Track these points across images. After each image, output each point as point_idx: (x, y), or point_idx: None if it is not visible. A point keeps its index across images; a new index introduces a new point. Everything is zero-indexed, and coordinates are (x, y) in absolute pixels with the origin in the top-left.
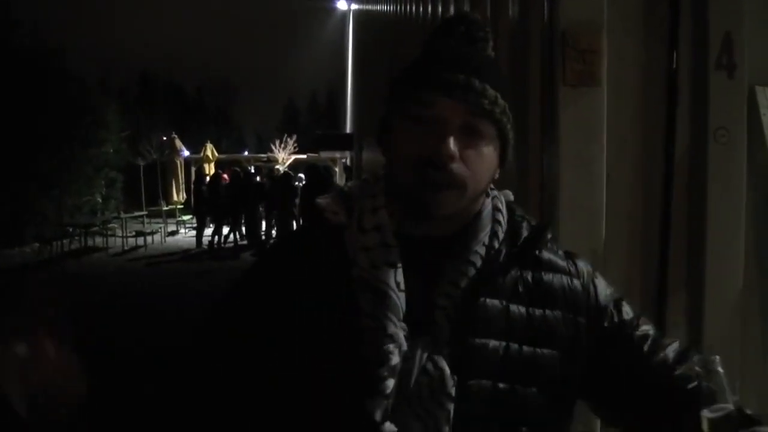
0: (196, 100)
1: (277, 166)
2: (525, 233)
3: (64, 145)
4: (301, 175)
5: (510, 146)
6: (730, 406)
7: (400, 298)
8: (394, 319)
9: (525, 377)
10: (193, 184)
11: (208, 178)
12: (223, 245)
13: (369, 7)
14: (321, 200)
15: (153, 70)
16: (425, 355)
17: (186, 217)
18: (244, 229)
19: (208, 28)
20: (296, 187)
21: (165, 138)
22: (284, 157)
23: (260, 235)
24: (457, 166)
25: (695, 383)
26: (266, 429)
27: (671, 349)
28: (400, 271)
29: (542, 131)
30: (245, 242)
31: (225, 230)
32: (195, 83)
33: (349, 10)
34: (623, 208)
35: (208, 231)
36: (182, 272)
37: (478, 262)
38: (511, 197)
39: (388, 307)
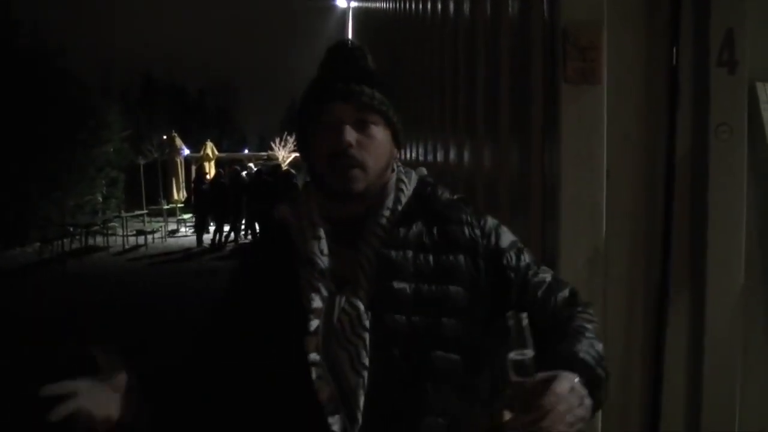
0: (198, 100)
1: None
2: (431, 194)
3: (66, 146)
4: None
5: (398, 129)
6: (530, 352)
7: (323, 261)
8: (319, 276)
9: (434, 310)
10: (193, 182)
11: (208, 177)
12: (224, 243)
13: (368, 4)
14: (281, 204)
15: (154, 70)
16: (344, 299)
17: (186, 216)
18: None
19: (208, 29)
20: (296, 185)
21: (165, 137)
22: (284, 155)
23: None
24: (355, 151)
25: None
26: (246, 379)
27: (561, 296)
28: (323, 241)
29: (543, 129)
30: (247, 240)
31: (226, 228)
32: (196, 84)
33: (349, 8)
34: (624, 205)
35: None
36: (183, 271)
37: (385, 222)
38: (424, 172)
39: (315, 268)
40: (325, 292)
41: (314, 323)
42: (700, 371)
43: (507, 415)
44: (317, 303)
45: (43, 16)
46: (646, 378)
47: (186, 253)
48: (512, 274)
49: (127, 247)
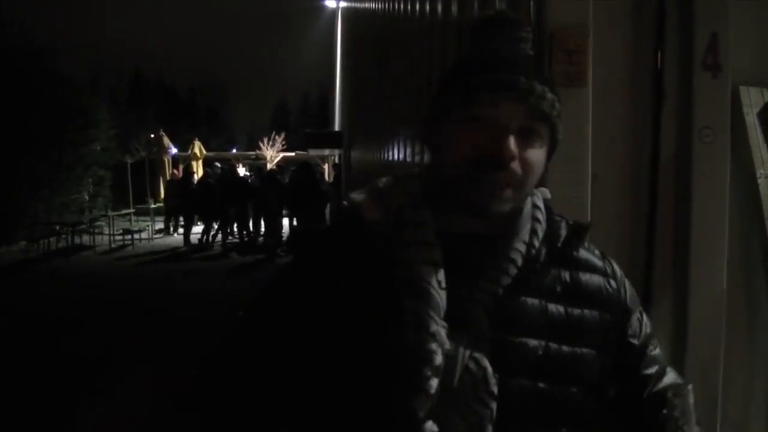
0: (187, 99)
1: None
2: (563, 233)
3: (54, 144)
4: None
5: (555, 146)
6: None
7: (441, 296)
8: (436, 317)
9: (564, 376)
10: (181, 181)
11: (196, 177)
12: (211, 243)
13: (357, 5)
14: (355, 196)
15: (143, 69)
16: (467, 353)
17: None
18: (235, 226)
19: (198, 28)
20: (284, 185)
21: (153, 135)
22: (272, 154)
23: (250, 234)
24: (516, 166)
25: (666, 410)
26: (317, 427)
27: (667, 381)
28: (441, 269)
29: None
30: (236, 240)
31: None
32: (186, 83)
33: (338, 8)
34: (610, 207)
35: (196, 228)
36: (170, 271)
37: (519, 261)
38: (548, 195)
39: (430, 305)
40: (446, 343)
41: (434, 383)
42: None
43: None
44: (439, 358)
45: (31, 15)
46: None
47: (173, 253)
48: (634, 341)
49: (113, 246)
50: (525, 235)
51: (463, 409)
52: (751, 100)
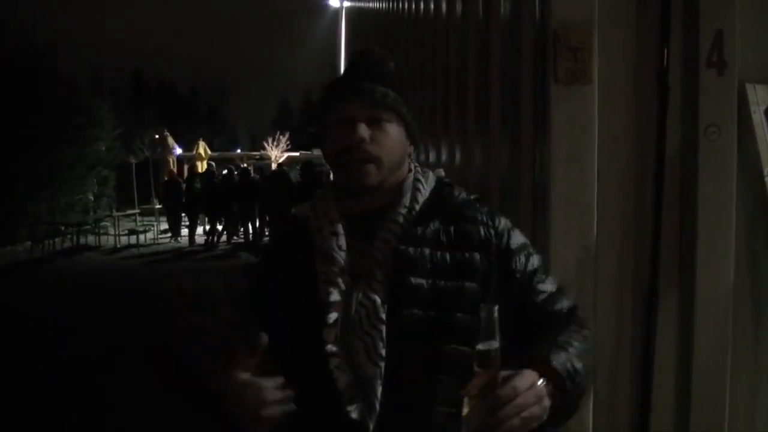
0: (189, 99)
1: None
2: (453, 197)
3: (56, 144)
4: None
5: (411, 125)
6: (496, 344)
7: (341, 256)
8: (337, 271)
9: (450, 305)
10: (185, 181)
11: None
12: (217, 243)
13: (361, 4)
14: (299, 206)
15: (145, 68)
16: (361, 293)
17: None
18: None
19: (200, 27)
20: (293, 185)
21: (157, 136)
22: (277, 154)
23: (255, 232)
24: (368, 146)
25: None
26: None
27: (558, 308)
28: (342, 237)
29: (534, 129)
30: (241, 239)
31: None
32: (187, 82)
33: (342, 7)
34: (615, 205)
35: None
36: (175, 271)
37: (401, 220)
38: (442, 173)
39: (333, 263)
40: (343, 286)
41: (332, 316)
42: (690, 370)
43: (467, 404)
44: (335, 296)
45: (31, 15)
46: (636, 377)
47: (178, 253)
48: (518, 276)
49: (118, 246)
50: (406, 201)
51: (360, 333)
52: (758, 97)
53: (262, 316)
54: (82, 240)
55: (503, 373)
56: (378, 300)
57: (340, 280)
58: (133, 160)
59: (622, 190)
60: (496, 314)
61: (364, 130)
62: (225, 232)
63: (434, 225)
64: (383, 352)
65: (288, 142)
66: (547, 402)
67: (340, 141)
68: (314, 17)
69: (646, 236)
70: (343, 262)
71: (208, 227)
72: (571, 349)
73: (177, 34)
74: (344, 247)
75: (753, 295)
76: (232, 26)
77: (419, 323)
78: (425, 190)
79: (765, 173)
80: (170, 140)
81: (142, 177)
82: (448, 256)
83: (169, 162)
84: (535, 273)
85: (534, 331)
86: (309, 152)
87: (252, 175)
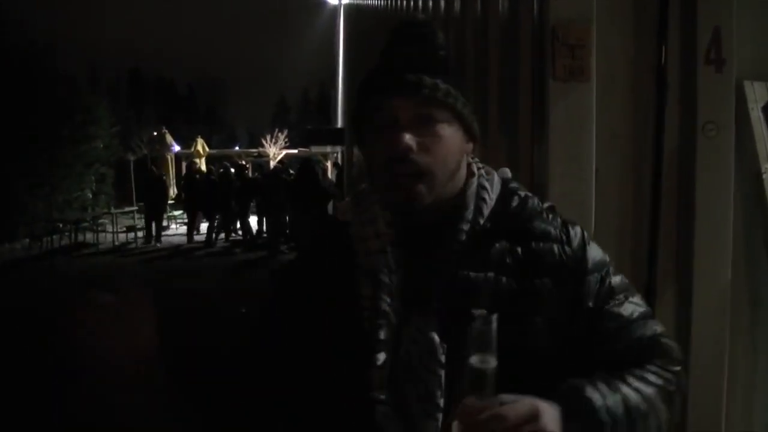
0: (187, 97)
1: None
2: (519, 209)
3: (54, 141)
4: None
5: (471, 121)
6: (494, 361)
7: (392, 280)
8: (387, 298)
9: (511, 346)
10: (184, 179)
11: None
12: (215, 240)
13: (360, 1)
14: (341, 202)
15: (143, 66)
16: (414, 328)
17: (177, 213)
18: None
19: (198, 24)
20: (288, 182)
21: (156, 133)
22: (275, 152)
23: (252, 230)
24: (417, 156)
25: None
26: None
27: (637, 336)
28: (390, 255)
29: (532, 125)
30: (239, 237)
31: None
32: (185, 79)
33: (340, 4)
34: (613, 202)
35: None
36: (173, 268)
37: (463, 237)
38: (508, 174)
39: (381, 288)
40: (394, 319)
41: (381, 356)
42: (686, 367)
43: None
44: (384, 333)
45: (30, 14)
46: None
47: (176, 250)
48: (589, 303)
49: (117, 243)
50: (469, 215)
51: (413, 378)
52: (756, 94)
53: (291, 337)
54: (81, 237)
55: (501, 397)
56: (436, 338)
57: (390, 311)
58: (131, 158)
59: (620, 187)
60: (494, 324)
61: (410, 138)
62: (223, 230)
63: (500, 244)
64: (441, 402)
65: (286, 140)
66: None
67: (382, 149)
68: (312, 15)
69: (644, 233)
70: (393, 287)
71: (207, 224)
72: (633, 384)
73: (176, 32)
74: (394, 268)
75: (750, 293)
76: (230, 25)
77: None
78: (491, 200)
79: (763, 170)
80: (168, 138)
81: (140, 174)
82: (514, 283)
83: (168, 159)
84: (611, 295)
85: (601, 364)
86: (307, 149)
87: (250, 172)
